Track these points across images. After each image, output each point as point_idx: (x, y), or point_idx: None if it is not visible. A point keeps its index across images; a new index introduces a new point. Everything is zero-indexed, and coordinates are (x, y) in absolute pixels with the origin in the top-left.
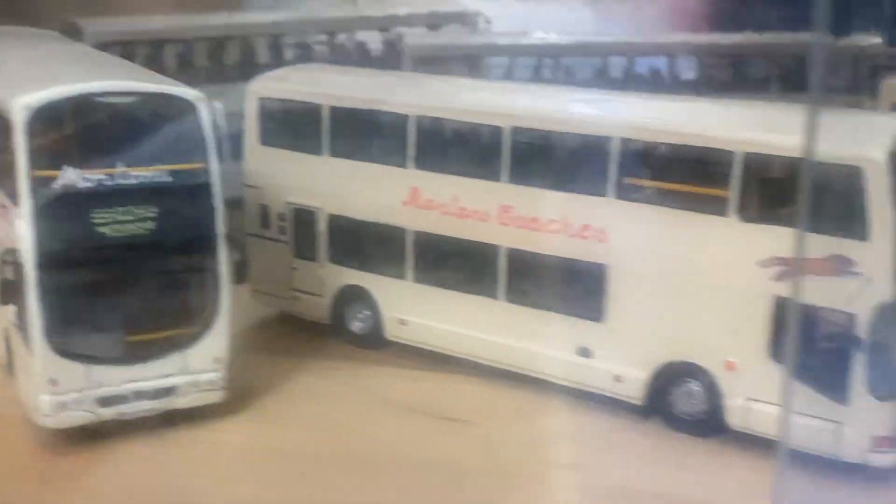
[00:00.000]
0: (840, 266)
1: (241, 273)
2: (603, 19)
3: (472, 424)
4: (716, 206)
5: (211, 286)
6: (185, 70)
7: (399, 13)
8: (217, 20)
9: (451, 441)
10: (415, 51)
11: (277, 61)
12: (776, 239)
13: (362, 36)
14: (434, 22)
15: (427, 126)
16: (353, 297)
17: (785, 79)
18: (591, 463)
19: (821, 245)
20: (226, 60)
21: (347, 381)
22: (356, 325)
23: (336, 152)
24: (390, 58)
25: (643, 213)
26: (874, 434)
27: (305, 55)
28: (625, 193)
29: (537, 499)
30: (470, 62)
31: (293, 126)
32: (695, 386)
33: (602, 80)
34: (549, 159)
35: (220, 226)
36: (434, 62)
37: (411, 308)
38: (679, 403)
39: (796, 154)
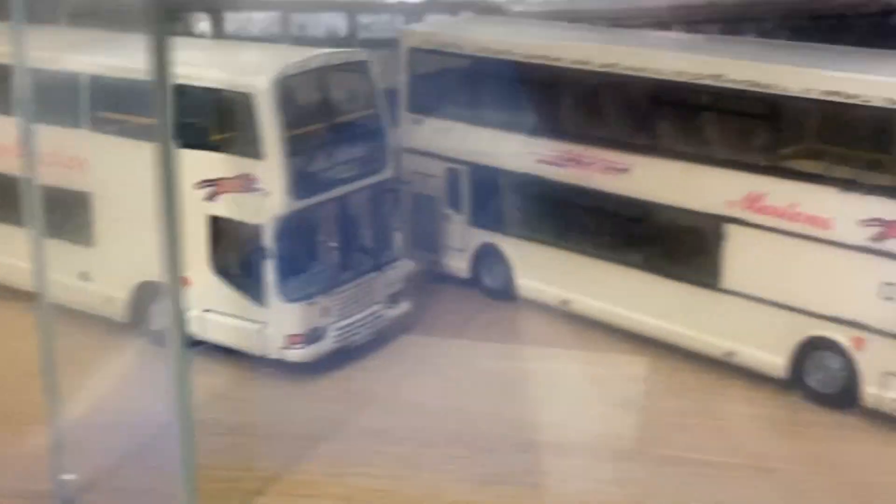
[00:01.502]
0: (247, 183)
1: None
2: None
3: None
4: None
5: None
6: None
7: None
8: None
9: None
10: None
11: None
12: (208, 162)
13: None
14: None
15: None
16: None
17: None
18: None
19: (237, 165)
20: None
21: None
22: None
23: None
24: None
25: (111, 144)
26: (288, 332)
27: None
28: (98, 126)
29: None
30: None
31: None
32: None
33: None
34: (48, 94)
35: None
36: None
37: None
38: (154, 320)
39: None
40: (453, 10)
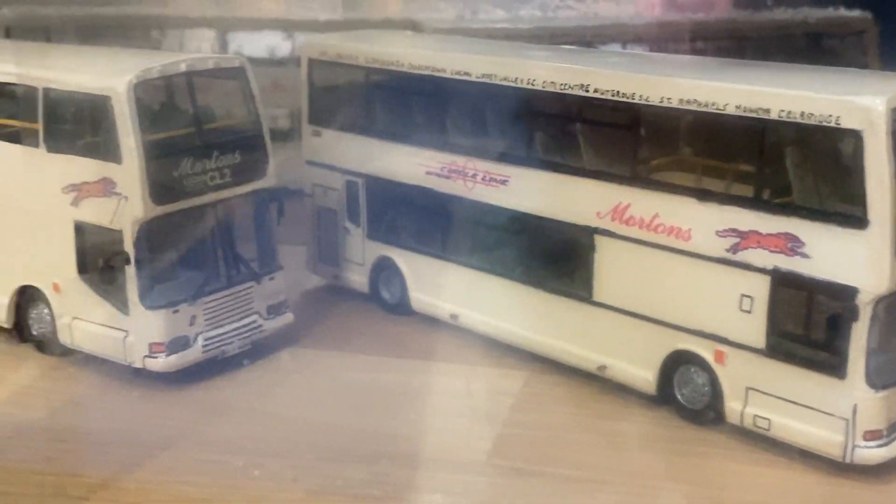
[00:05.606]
0: (107, 188)
1: None
2: None
3: None
4: (29, 138)
5: None
6: None
7: None
8: None
9: None
10: None
11: None
12: (76, 167)
13: None
14: None
15: None
16: None
17: None
18: None
19: (99, 169)
20: None
21: None
22: None
23: None
24: None
25: None
26: (150, 341)
27: None
28: None
29: None
30: None
31: None
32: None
33: None
34: None
35: None
36: None
37: None
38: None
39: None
40: None
